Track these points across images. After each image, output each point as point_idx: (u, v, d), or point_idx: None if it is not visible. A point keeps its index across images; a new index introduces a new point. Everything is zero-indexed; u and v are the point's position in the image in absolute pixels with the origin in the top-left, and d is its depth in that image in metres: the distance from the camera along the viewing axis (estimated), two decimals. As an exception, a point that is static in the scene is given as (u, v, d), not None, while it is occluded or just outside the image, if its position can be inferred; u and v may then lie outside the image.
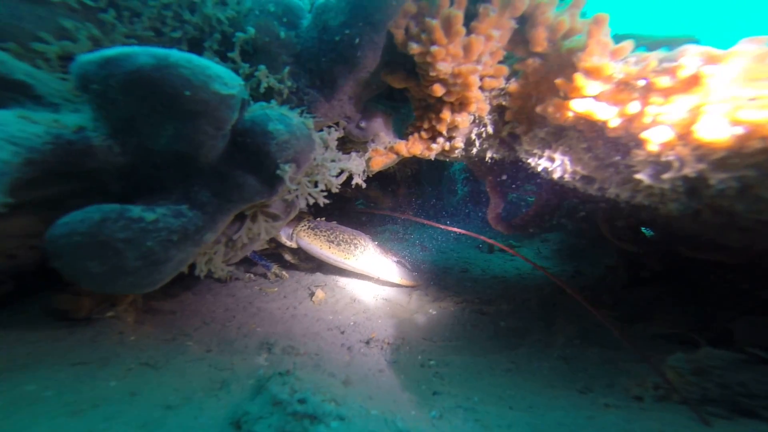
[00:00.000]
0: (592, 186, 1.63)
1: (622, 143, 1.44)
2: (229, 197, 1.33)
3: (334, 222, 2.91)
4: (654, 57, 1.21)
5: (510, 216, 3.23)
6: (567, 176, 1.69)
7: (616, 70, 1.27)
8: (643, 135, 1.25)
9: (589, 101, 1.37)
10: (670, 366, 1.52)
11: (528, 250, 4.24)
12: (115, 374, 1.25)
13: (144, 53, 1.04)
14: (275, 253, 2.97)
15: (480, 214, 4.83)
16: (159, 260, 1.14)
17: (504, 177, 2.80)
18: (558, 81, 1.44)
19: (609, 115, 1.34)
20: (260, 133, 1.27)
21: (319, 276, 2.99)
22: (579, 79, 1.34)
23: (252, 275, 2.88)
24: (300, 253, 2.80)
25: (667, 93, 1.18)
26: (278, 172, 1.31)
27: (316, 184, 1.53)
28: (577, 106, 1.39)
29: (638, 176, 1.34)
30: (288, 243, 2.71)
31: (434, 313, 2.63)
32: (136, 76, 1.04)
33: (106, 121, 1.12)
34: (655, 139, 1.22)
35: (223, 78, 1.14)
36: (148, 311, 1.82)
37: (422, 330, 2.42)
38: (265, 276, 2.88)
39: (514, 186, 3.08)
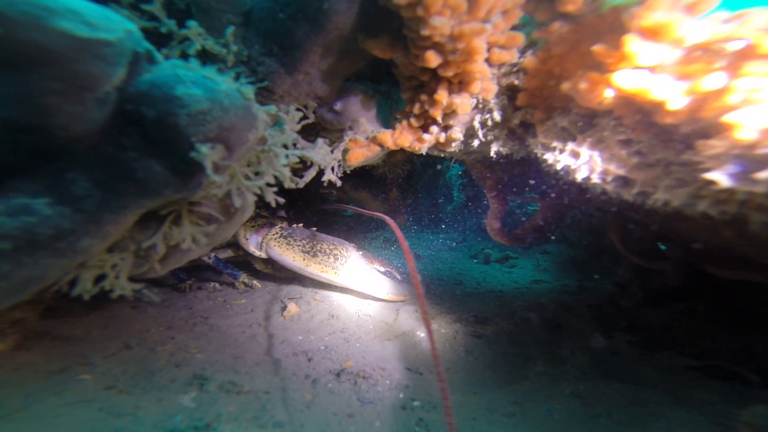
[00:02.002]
0: (629, 190, 1.20)
1: (681, 133, 1.01)
2: (121, 190, 0.88)
3: (314, 228, 2.47)
4: (762, 10, 0.78)
5: (510, 225, 2.80)
6: (595, 177, 1.26)
7: (695, 29, 0.83)
8: (728, 119, 0.82)
9: (642, 74, 0.93)
10: (745, 422, 1.09)
11: (527, 262, 3.82)
12: None
13: None
14: (246, 260, 2.52)
15: (477, 222, 4.41)
16: (-23, 282, 0.70)
17: (508, 179, 2.37)
18: (597, 48, 1.01)
19: (671, 94, 0.90)
20: (162, 98, 0.82)
21: (296, 286, 2.54)
22: (631, 42, 0.91)
23: (217, 285, 2.42)
24: (274, 261, 2.37)
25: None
26: (193, 155, 0.86)
27: (263, 176, 1.08)
28: (623, 81, 0.95)
29: (709, 176, 0.91)
30: (257, 253, 2.25)
31: (423, 335, 2.17)
32: None
33: None
34: (751, 124, 0.79)
35: (84, 15, 0.70)
36: (45, 332, 1.35)
37: (407, 357, 1.96)
38: (234, 285, 2.43)
39: (516, 190, 2.65)
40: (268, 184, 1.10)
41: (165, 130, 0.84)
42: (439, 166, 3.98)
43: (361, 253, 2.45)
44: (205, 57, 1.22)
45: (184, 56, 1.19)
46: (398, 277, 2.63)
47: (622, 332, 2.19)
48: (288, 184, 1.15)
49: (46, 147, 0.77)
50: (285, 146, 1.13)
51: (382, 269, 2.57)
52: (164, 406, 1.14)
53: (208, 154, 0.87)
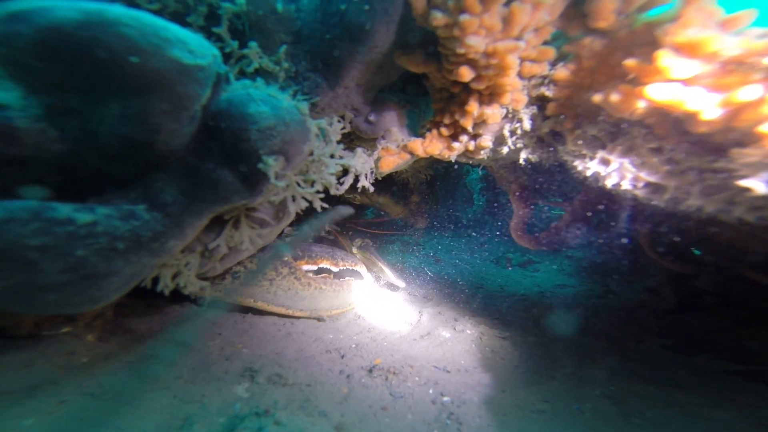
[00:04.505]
0: (661, 196, 1.24)
1: (714, 141, 1.05)
2: (200, 197, 1.01)
3: None
4: None
5: (534, 230, 2.83)
6: (626, 183, 1.30)
7: (729, 45, 0.88)
8: (764, 129, 0.86)
9: (675, 87, 0.99)
10: None
11: (550, 266, 3.81)
12: (39, 408, 0.95)
13: (66, 6, 0.75)
14: None
15: (498, 226, 4.42)
16: (96, 273, 0.84)
17: (534, 184, 2.41)
18: (629, 63, 1.07)
19: (705, 105, 0.95)
20: (238, 116, 0.95)
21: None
22: (664, 57, 0.96)
23: None
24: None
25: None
26: (260, 166, 0.99)
27: (312, 184, 1.20)
28: (656, 94, 1.01)
29: (744, 183, 0.95)
30: None
31: (448, 335, 2.24)
32: (55, 36, 0.75)
33: (37, 98, 0.83)
34: (786, 134, 0.83)
35: (188, 44, 0.83)
36: (118, 327, 1.52)
37: (434, 356, 2.03)
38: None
39: (542, 195, 2.68)
40: (317, 191, 1.22)
41: (239, 144, 0.97)
42: (456, 167, 4.03)
43: (287, 257, 1.84)
44: (258, 73, 1.36)
45: (242, 72, 1.33)
46: (358, 268, 2.14)
47: (655, 336, 2.17)
48: (333, 191, 1.26)
49: (148, 159, 0.91)
50: (332, 156, 1.24)
51: (336, 269, 2.08)
52: (224, 396, 1.28)
53: (272, 165, 1.00)
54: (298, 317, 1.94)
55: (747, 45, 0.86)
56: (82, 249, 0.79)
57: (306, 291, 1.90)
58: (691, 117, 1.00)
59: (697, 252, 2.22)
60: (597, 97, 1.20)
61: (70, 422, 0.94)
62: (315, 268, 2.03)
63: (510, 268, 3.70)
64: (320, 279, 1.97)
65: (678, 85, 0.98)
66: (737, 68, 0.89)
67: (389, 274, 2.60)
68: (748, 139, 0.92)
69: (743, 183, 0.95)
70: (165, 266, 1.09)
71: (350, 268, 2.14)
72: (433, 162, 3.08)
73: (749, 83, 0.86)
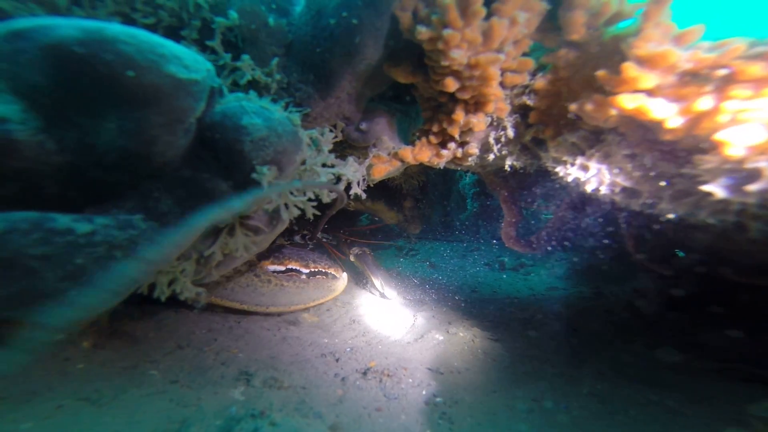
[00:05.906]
0: (636, 200, 1.31)
1: (680, 148, 1.13)
2: (195, 206, 1.06)
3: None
4: (740, 41, 0.91)
5: (525, 233, 2.90)
6: (604, 188, 1.37)
7: (683, 58, 0.96)
8: (719, 137, 0.94)
9: (641, 96, 1.06)
10: (756, 416, 1.15)
11: (542, 270, 3.88)
12: (36, 414, 0.97)
13: (68, 25, 0.80)
14: None
15: (491, 231, 4.49)
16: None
17: (522, 189, 2.48)
18: (600, 73, 1.15)
19: (667, 114, 1.03)
20: (232, 128, 1.00)
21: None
22: (630, 69, 1.04)
23: None
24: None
25: (760, 84, 0.87)
26: (254, 175, 1.04)
27: (304, 193, 1.25)
28: (625, 103, 1.09)
29: (706, 188, 1.02)
30: None
31: (441, 338, 2.28)
32: (56, 52, 0.80)
33: (37, 112, 0.87)
34: (738, 141, 0.91)
35: (183, 59, 0.89)
36: (113, 333, 1.54)
37: (428, 358, 2.07)
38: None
39: (530, 200, 2.76)
40: (309, 199, 1.27)
41: (233, 155, 1.02)
42: (448, 173, 4.11)
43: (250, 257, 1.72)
44: (251, 85, 1.41)
45: (235, 84, 1.38)
46: (332, 271, 2.17)
47: (641, 336, 2.24)
48: (326, 199, 1.31)
49: (144, 170, 0.95)
50: (324, 165, 1.30)
51: (307, 270, 2.08)
52: (220, 399, 1.31)
53: (266, 174, 1.05)
54: (256, 313, 1.93)
55: (698, 58, 0.94)
56: (81, 258, 0.83)
57: (265, 287, 1.92)
58: (658, 125, 1.07)
59: (680, 254, 2.30)
60: (573, 106, 1.28)
61: (67, 426, 0.96)
62: (282, 269, 2.05)
63: (505, 275, 3.76)
64: (283, 276, 1.97)
65: (643, 95, 1.06)
66: (692, 80, 0.97)
67: (378, 285, 2.61)
68: (708, 146, 1.00)
69: (705, 188, 1.02)
70: (161, 273, 1.13)
71: (323, 270, 2.15)
72: (425, 167, 3.15)
73: (703, 94, 0.94)
